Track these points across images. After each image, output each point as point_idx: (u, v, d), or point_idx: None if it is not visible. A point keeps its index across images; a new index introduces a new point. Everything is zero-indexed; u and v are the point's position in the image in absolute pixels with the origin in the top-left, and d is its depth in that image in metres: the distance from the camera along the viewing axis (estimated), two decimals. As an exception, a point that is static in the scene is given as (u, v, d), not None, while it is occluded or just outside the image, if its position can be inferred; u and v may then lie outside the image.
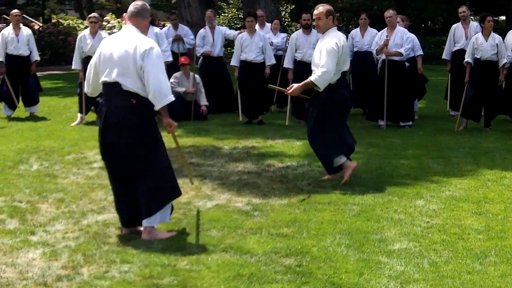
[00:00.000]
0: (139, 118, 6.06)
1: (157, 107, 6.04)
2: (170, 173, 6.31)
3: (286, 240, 6.09)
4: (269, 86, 9.14)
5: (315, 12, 8.22)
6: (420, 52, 13.14)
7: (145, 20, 6.29)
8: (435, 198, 7.57)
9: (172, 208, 6.46)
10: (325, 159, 8.37)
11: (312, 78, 7.97)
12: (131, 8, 6.27)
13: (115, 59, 6.05)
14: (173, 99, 6.12)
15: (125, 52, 6.02)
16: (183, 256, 5.66)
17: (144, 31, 6.30)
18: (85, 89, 6.54)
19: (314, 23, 8.52)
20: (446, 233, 6.33)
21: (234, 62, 13.19)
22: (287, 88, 8.35)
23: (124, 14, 6.44)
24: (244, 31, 13.25)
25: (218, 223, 6.58)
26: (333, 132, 8.16)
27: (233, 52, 13.62)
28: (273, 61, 13.13)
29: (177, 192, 6.37)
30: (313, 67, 8.28)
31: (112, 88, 6.06)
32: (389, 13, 12.37)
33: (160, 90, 5.98)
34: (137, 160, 6.07)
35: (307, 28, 12.86)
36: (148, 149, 6.10)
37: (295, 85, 8.19)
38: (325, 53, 7.93)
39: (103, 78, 6.12)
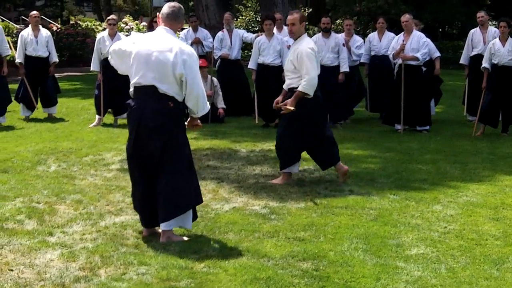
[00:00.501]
0: (174, 121, 6.12)
1: (198, 114, 6.23)
2: (194, 178, 6.32)
3: (303, 244, 6.10)
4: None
5: (290, 17, 8.32)
6: (437, 54, 13.10)
7: (179, 23, 6.27)
8: (453, 203, 7.55)
9: (196, 217, 6.46)
10: (285, 153, 8.44)
11: (300, 88, 8.07)
12: (167, 9, 6.20)
13: (152, 62, 6.01)
14: (209, 107, 6.31)
15: (164, 57, 5.99)
16: (200, 259, 5.67)
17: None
18: (112, 62, 6.49)
19: (288, 28, 8.57)
20: (464, 238, 6.31)
21: (251, 65, 13.20)
22: (283, 103, 8.29)
23: (158, 16, 6.36)
24: (262, 34, 13.27)
25: (235, 226, 6.59)
26: (311, 132, 8.28)
27: (250, 55, 13.65)
28: (290, 65, 13.12)
29: (198, 199, 6.36)
30: (286, 73, 8.42)
31: (147, 91, 6.05)
32: (405, 17, 12.40)
33: (203, 100, 6.14)
34: (166, 161, 6.07)
35: (327, 32, 12.88)
36: (178, 151, 6.13)
37: (288, 101, 8.15)
38: (306, 59, 8.06)
39: (137, 80, 6.08)
